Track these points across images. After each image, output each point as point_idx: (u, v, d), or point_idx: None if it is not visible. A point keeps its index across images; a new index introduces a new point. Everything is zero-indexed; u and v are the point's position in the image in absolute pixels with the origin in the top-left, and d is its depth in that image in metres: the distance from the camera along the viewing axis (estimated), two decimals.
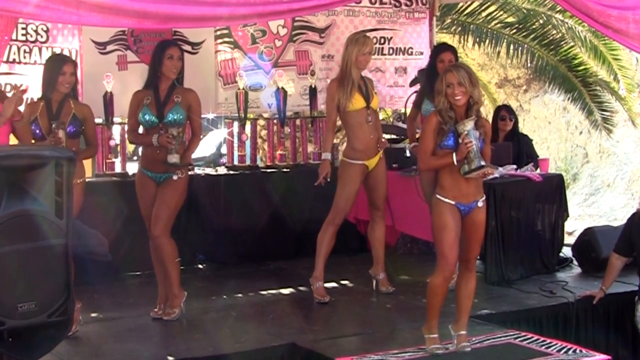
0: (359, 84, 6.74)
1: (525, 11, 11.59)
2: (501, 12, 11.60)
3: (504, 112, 8.84)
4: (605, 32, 6.91)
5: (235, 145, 8.48)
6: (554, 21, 11.65)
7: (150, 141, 6.14)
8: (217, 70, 8.62)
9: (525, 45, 11.54)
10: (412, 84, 8.47)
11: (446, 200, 5.28)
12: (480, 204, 5.32)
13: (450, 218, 5.27)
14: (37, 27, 7.58)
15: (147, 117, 6.15)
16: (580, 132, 17.60)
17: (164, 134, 6.07)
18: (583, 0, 6.54)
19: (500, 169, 7.55)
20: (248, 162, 8.54)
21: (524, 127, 15.84)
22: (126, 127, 7.00)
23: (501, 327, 5.93)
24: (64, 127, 5.84)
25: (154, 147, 6.14)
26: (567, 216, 7.94)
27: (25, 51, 7.56)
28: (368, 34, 8.61)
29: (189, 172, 6.43)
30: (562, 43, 11.63)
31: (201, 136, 6.58)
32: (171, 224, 6.23)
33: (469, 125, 5.18)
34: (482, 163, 5.19)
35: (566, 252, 8.00)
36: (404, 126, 8.11)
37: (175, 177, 6.16)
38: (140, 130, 6.34)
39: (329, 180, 6.74)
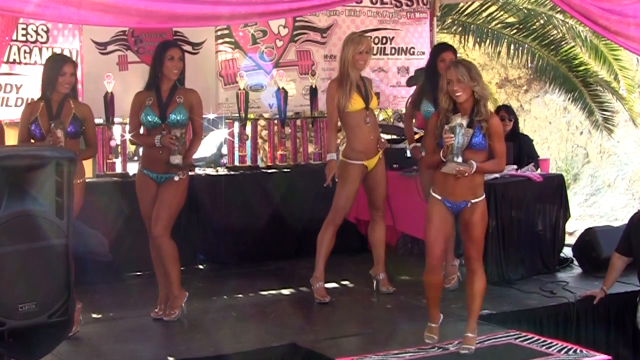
0: (357, 84, 6.73)
1: (525, 11, 11.60)
2: (502, 13, 11.61)
3: (503, 112, 8.85)
4: (605, 34, 6.91)
5: (236, 145, 8.47)
6: (554, 21, 11.66)
7: (153, 142, 6.13)
8: (218, 70, 8.62)
9: (526, 46, 11.55)
10: (410, 83, 8.47)
11: (434, 195, 5.40)
12: (469, 205, 5.33)
13: (436, 212, 5.37)
14: (37, 27, 7.58)
15: (149, 117, 6.15)
16: (581, 132, 17.61)
17: (167, 135, 6.07)
18: (583, 3, 6.54)
19: None
20: (249, 163, 8.54)
21: (525, 128, 15.86)
22: (127, 128, 7.00)
23: (502, 327, 5.93)
24: (63, 126, 5.83)
25: (156, 147, 6.13)
26: (569, 216, 7.93)
27: (25, 51, 7.56)
28: (370, 33, 8.66)
29: (190, 173, 6.43)
30: (563, 43, 11.65)
31: (202, 136, 6.57)
32: (172, 224, 6.23)
33: (454, 121, 5.20)
34: (456, 159, 5.20)
35: (567, 252, 7.99)
36: None
37: (176, 178, 6.15)
38: (142, 130, 6.33)
39: (337, 180, 6.74)
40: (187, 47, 8.10)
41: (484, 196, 5.41)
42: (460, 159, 5.21)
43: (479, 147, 5.27)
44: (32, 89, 7.30)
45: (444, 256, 5.74)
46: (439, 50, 7.21)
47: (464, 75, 5.24)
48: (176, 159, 6.08)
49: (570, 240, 8.54)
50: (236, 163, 8.48)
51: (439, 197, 5.37)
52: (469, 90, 5.25)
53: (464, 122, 5.19)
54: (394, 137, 8.54)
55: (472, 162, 5.24)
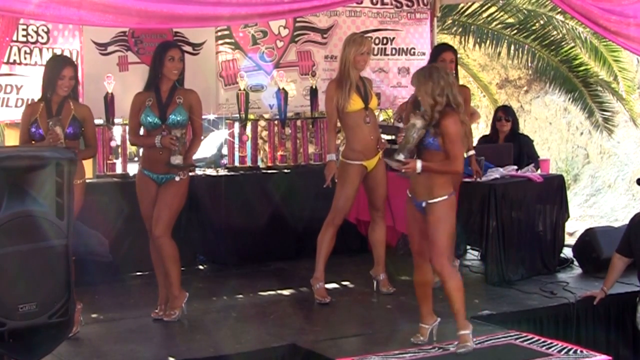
0: (357, 84, 6.74)
1: (525, 12, 11.60)
2: (502, 13, 11.61)
3: (500, 113, 8.94)
4: (606, 34, 6.91)
5: (236, 146, 8.47)
6: (554, 22, 11.66)
7: (153, 142, 6.13)
8: (218, 71, 8.62)
9: (526, 46, 11.55)
10: None
11: (407, 191, 5.59)
12: (424, 204, 5.43)
13: (408, 209, 5.59)
14: (37, 28, 7.58)
15: (149, 118, 6.15)
16: (581, 133, 17.62)
17: (167, 136, 6.07)
18: (583, 4, 6.55)
19: (501, 169, 7.57)
20: (249, 163, 8.54)
21: (525, 128, 15.87)
22: (127, 129, 7.00)
23: (502, 328, 5.93)
24: (61, 123, 5.83)
25: (156, 148, 6.13)
26: (568, 217, 7.93)
27: (25, 52, 7.56)
28: (370, 34, 8.65)
29: (190, 173, 6.43)
30: (563, 44, 11.66)
31: (202, 137, 6.57)
32: (172, 224, 6.23)
33: (409, 121, 5.42)
34: (395, 156, 5.37)
35: (567, 252, 7.99)
36: None
37: (177, 179, 6.16)
38: (141, 131, 6.33)
39: (336, 181, 6.74)
40: (188, 48, 8.10)
41: (444, 198, 5.41)
42: (401, 156, 5.34)
43: (432, 148, 5.38)
44: (33, 90, 7.30)
45: (426, 253, 5.66)
46: (439, 50, 7.24)
47: (413, 82, 5.47)
48: (176, 160, 6.08)
49: (570, 240, 8.55)
50: (236, 164, 8.47)
51: (410, 195, 5.56)
52: (423, 95, 5.38)
53: (418, 123, 5.32)
54: (395, 137, 8.53)
55: (417, 160, 5.36)
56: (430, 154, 5.37)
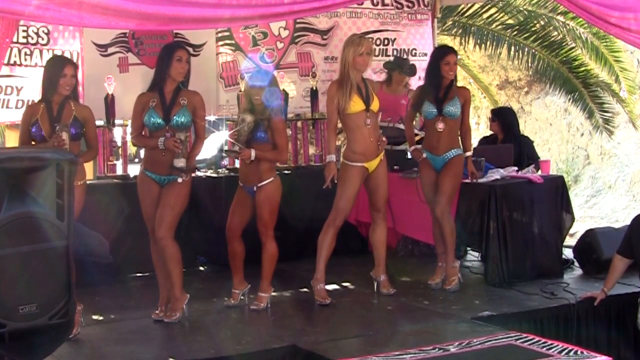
0: (358, 86, 6.73)
1: (526, 13, 11.61)
2: (502, 14, 11.61)
3: (491, 114, 8.99)
4: (606, 28, 6.88)
5: None
6: (555, 23, 11.67)
7: (156, 144, 6.13)
8: (219, 72, 8.64)
9: (526, 47, 11.56)
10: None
11: (239, 182, 6.68)
12: (255, 188, 6.48)
13: (240, 196, 6.64)
14: (38, 29, 7.59)
15: (153, 119, 6.14)
16: (582, 134, 17.61)
17: (172, 138, 6.07)
18: (584, 2, 6.54)
19: (501, 170, 7.57)
20: None
21: (525, 129, 15.87)
22: (129, 129, 7.00)
23: (502, 329, 5.92)
24: (68, 129, 5.82)
25: (158, 149, 6.13)
26: (573, 219, 7.87)
27: (26, 53, 7.57)
28: (371, 35, 8.64)
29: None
30: (563, 44, 11.66)
31: (205, 138, 6.57)
32: (175, 226, 6.22)
33: (240, 116, 6.60)
34: (233, 148, 6.49)
35: (567, 253, 7.99)
36: None
37: (179, 180, 6.16)
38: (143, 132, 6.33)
39: (336, 182, 6.74)
40: (188, 49, 8.08)
41: (271, 179, 6.42)
42: (235, 148, 6.38)
43: (262, 141, 6.36)
44: (33, 91, 7.31)
45: (240, 230, 6.56)
46: (443, 53, 7.16)
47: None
48: (180, 162, 6.08)
49: (570, 241, 8.53)
50: (237, 165, 8.46)
51: (240, 184, 6.54)
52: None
53: (247, 118, 6.38)
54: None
55: (251, 149, 6.33)
56: (257, 145, 6.33)
